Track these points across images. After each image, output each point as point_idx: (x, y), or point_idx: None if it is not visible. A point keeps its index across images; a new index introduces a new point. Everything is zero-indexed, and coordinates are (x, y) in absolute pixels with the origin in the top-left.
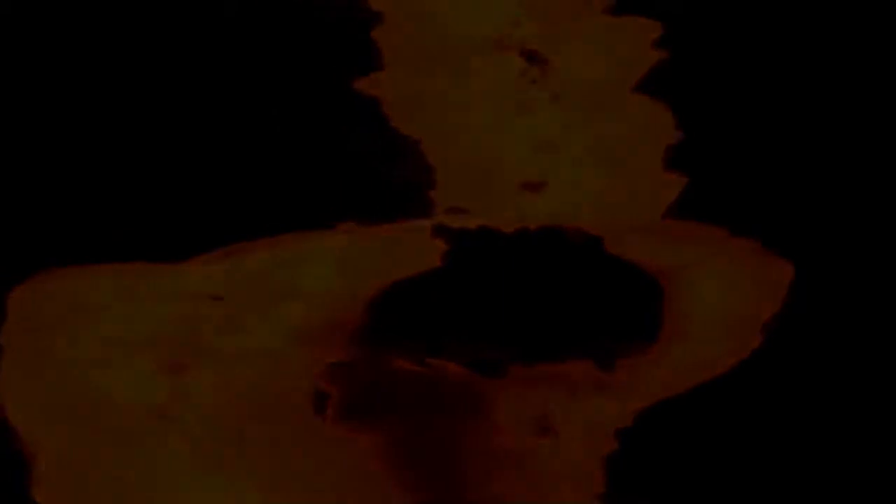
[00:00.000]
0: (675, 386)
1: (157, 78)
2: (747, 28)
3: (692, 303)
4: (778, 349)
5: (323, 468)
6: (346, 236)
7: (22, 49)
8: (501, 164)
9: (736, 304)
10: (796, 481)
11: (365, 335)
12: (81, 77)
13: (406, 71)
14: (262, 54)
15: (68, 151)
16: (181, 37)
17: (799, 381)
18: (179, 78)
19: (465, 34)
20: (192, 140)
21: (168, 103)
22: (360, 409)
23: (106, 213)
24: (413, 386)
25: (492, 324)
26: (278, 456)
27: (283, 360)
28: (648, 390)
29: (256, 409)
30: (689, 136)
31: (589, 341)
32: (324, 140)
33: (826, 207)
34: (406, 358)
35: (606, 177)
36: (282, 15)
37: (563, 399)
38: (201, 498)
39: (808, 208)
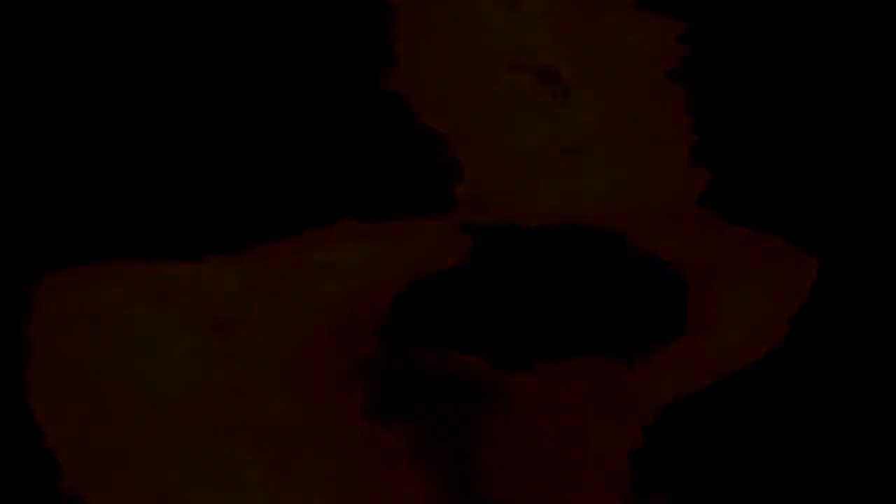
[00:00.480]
0: (700, 381)
1: (162, 76)
2: (771, 25)
3: (717, 298)
4: (802, 345)
5: (345, 463)
6: (368, 232)
7: (22, 49)
8: (525, 161)
9: (761, 299)
10: (819, 477)
11: (389, 331)
12: (91, 76)
13: (424, 67)
14: (274, 49)
15: (77, 151)
16: (187, 32)
17: (824, 377)
18: (191, 75)
19: (486, 26)
20: (210, 138)
21: (180, 102)
22: (385, 404)
23: (116, 212)
24: (438, 382)
25: (516, 319)
26: (299, 452)
27: (307, 356)
28: (674, 385)
29: (280, 405)
30: (713, 134)
31: (614, 336)
32: (347, 134)
33: (852, 205)
34: (431, 353)
35: (630, 174)
36: (297, 9)
37: (589, 395)
38: (219, 490)
39: (833, 206)
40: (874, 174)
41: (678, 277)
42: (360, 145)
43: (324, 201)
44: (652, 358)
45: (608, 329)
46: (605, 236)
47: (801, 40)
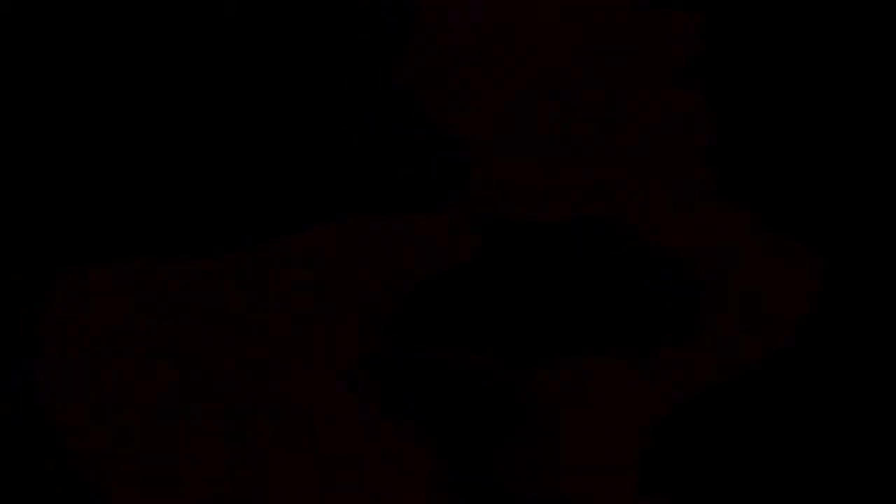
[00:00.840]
0: (706, 380)
1: (163, 75)
2: (782, 21)
3: (727, 295)
4: (807, 345)
5: (351, 462)
6: (376, 229)
7: (22, 49)
8: (535, 157)
9: (770, 297)
10: (821, 477)
11: (397, 328)
12: (92, 76)
13: (434, 64)
14: (278, 46)
15: (78, 152)
16: (187, 31)
17: (828, 377)
18: (193, 74)
19: (495, 24)
20: (212, 135)
21: (182, 101)
22: (392, 403)
23: (117, 212)
24: (447, 380)
25: (525, 317)
26: (304, 452)
27: (312, 355)
28: (684, 382)
29: (290, 403)
30: (724, 130)
31: (621, 335)
32: (354, 130)
33: (862, 206)
34: (440, 351)
35: (641, 170)
36: (301, 6)
37: (600, 392)
38: (222, 486)
39: (844, 205)
40: (887, 174)
41: (688, 276)
42: (368, 141)
43: (331, 198)
44: (660, 356)
45: (616, 327)
46: (615, 233)
47: (811, 34)
